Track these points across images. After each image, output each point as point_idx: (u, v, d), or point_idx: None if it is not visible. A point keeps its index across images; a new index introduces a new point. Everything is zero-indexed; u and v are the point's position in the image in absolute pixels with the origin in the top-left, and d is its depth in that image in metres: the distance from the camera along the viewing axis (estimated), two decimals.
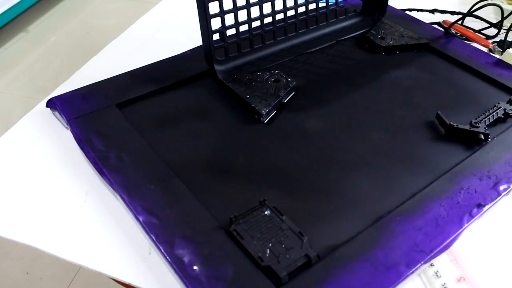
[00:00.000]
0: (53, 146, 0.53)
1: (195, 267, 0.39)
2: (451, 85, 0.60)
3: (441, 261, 0.41)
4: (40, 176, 0.49)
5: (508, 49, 0.65)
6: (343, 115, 0.56)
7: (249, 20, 0.60)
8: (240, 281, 0.38)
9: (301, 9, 0.65)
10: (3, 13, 1.79)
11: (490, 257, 0.42)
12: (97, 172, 0.48)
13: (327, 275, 0.38)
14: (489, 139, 0.52)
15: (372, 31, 0.69)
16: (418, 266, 0.40)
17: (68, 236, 0.43)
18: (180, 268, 0.39)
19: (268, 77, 0.59)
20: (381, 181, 0.48)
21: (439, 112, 0.54)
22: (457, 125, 0.52)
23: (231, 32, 0.59)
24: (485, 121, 0.53)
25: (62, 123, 0.55)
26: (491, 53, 0.68)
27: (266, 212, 0.43)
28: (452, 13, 0.74)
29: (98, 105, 0.55)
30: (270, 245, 0.40)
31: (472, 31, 0.71)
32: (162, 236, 0.41)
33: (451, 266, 0.41)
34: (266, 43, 0.63)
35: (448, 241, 0.41)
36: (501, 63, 0.63)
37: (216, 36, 0.57)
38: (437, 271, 0.41)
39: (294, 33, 0.66)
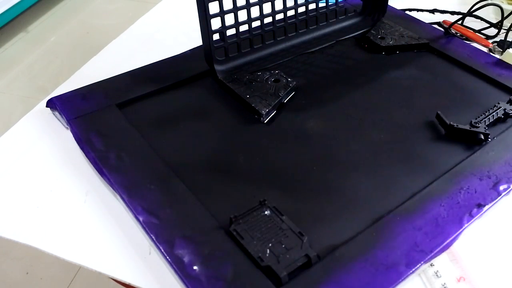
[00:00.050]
0: (53, 146, 0.53)
1: (195, 267, 0.39)
2: (451, 85, 0.60)
3: (441, 261, 0.41)
4: (40, 176, 0.49)
5: (508, 49, 0.65)
6: (343, 115, 0.56)
7: (249, 20, 0.60)
8: (240, 281, 0.38)
9: (301, 9, 0.65)
10: (3, 13, 1.79)
11: (490, 257, 0.42)
12: (97, 172, 0.48)
13: (327, 275, 0.38)
14: (489, 139, 0.52)
15: (372, 31, 0.69)
16: (418, 266, 0.40)
17: (68, 236, 0.43)
18: (180, 268, 0.39)
19: (268, 77, 0.59)
20: (381, 181, 0.48)
21: (439, 112, 0.54)
22: (457, 125, 0.52)
23: (231, 32, 0.59)
24: (485, 121, 0.53)
25: (62, 123, 0.55)
26: (491, 53, 0.68)
27: (266, 212, 0.43)
28: (452, 13, 0.74)
29: (98, 105, 0.55)
30: (270, 245, 0.40)
31: (472, 31, 0.71)
32: (162, 236, 0.41)
33: (451, 266, 0.41)
34: (266, 43, 0.63)
35: (448, 241, 0.41)
36: (501, 63, 0.63)
37: (216, 36, 0.57)
38: (437, 271, 0.41)
39: (294, 33, 0.66)
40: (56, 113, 0.55)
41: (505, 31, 0.69)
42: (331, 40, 0.68)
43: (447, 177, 0.47)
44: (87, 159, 0.50)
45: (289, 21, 0.64)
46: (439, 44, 0.67)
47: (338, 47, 0.67)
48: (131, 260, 0.41)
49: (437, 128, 0.54)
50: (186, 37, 0.70)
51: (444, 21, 0.72)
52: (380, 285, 0.38)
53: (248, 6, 0.59)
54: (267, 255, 0.39)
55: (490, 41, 0.70)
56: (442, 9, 0.75)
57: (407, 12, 0.76)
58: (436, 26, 0.72)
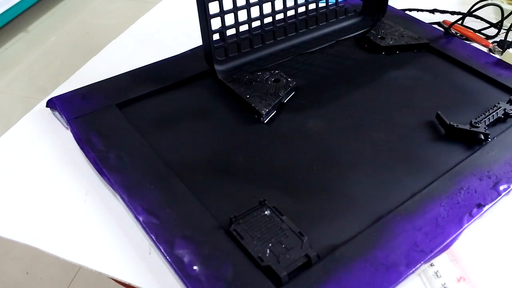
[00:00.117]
0: (53, 146, 0.53)
1: (195, 267, 0.39)
2: (451, 85, 0.60)
3: (441, 261, 0.41)
4: (40, 176, 0.49)
5: (508, 49, 0.65)
6: (343, 115, 0.56)
7: (249, 20, 0.60)
8: (240, 281, 0.38)
9: (301, 9, 0.65)
10: (3, 13, 1.79)
11: (490, 257, 0.42)
12: (97, 172, 0.48)
13: (327, 275, 0.38)
14: (489, 139, 0.52)
15: (372, 31, 0.69)
16: (418, 266, 0.40)
17: (68, 236, 0.43)
18: (180, 268, 0.39)
19: (268, 77, 0.59)
20: (381, 181, 0.48)
21: (439, 112, 0.54)
22: (457, 125, 0.52)
23: (231, 32, 0.59)
24: (485, 121, 0.53)
25: (62, 123, 0.55)
26: (491, 53, 0.68)
27: (266, 212, 0.43)
28: (452, 13, 0.74)
29: (98, 105, 0.55)
30: (270, 245, 0.40)
31: (472, 31, 0.71)
32: (162, 236, 0.41)
33: (451, 266, 0.41)
34: (266, 43, 0.63)
35: (448, 241, 0.41)
36: (501, 63, 0.63)
37: (216, 36, 0.57)
38: (437, 271, 0.41)
39: (294, 33, 0.66)
40: (56, 113, 0.55)
41: (505, 31, 0.69)
42: (331, 40, 0.68)
43: (447, 177, 0.47)
44: (87, 159, 0.50)
45: (289, 21, 0.64)
46: (439, 44, 0.67)
47: (338, 47, 0.67)
48: (131, 260, 0.41)
49: (437, 128, 0.54)
50: (186, 37, 0.70)
51: (444, 21, 0.72)
52: (380, 285, 0.38)
53: (248, 6, 0.59)
54: (267, 255, 0.39)
55: (490, 41, 0.70)
56: (442, 9, 0.75)
57: (407, 12, 0.76)
58: (436, 26, 0.72)
